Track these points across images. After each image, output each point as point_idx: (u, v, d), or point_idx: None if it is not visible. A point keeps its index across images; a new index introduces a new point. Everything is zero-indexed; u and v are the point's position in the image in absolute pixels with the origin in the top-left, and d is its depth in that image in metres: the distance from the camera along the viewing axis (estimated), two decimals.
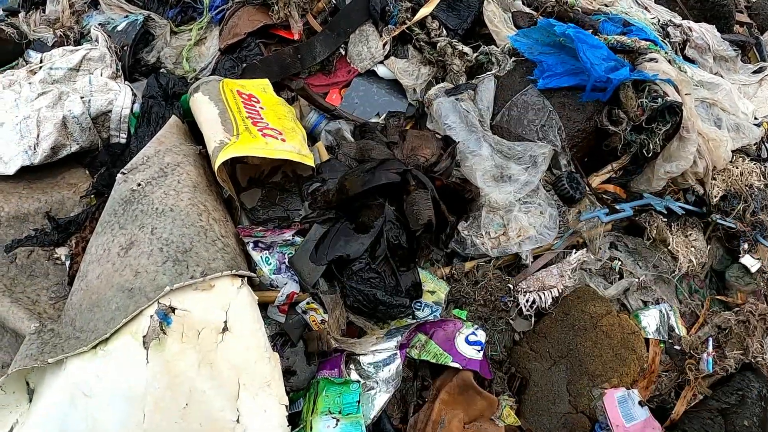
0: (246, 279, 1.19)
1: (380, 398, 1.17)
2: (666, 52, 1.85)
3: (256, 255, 1.29)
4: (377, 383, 1.19)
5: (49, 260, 1.48)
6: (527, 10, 1.96)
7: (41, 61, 1.79)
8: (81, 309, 1.20)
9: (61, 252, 1.49)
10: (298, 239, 1.32)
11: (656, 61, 1.70)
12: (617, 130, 1.59)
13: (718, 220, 1.74)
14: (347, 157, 1.43)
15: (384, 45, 1.78)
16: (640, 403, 1.32)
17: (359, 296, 1.25)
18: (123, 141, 1.64)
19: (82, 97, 1.61)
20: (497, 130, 1.60)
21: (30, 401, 1.16)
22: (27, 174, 1.57)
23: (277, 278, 1.29)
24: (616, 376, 1.34)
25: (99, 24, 1.98)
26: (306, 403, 1.19)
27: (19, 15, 2.17)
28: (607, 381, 1.33)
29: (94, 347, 1.10)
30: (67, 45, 1.95)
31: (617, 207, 1.57)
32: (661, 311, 1.53)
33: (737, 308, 1.62)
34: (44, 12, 2.19)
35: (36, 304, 1.36)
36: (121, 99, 1.63)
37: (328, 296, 1.27)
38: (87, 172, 1.64)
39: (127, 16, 2.01)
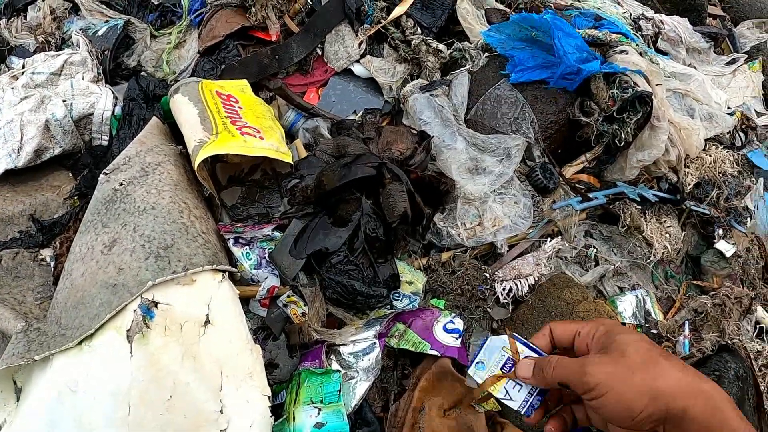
0: (227, 274, 1.22)
1: (361, 387, 1.19)
2: (637, 45, 1.89)
3: (236, 251, 1.32)
4: (357, 372, 1.22)
5: (35, 261, 1.50)
6: (500, 6, 1.99)
7: (23, 67, 1.81)
8: (66, 307, 1.21)
9: (46, 253, 1.51)
10: (277, 234, 1.35)
11: (627, 53, 1.74)
12: (589, 121, 1.63)
13: (692, 207, 1.77)
14: (324, 154, 1.46)
15: (360, 44, 1.81)
16: None
17: (338, 288, 1.28)
18: (105, 143, 1.66)
19: (64, 101, 1.63)
20: (471, 124, 1.63)
21: (18, 400, 1.17)
22: (11, 177, 1.59)
23: (258, 273, 1.31)
24: None
25: (80, 29, 2.00)
26: (289, 395, 1.22)
27: (0, 22, 2.18)
28: None
29: (80, 343, 1.12)
30: (49, 50, 1.97)
31: (590, 195, 1.60)
32: (637, 296, 1.56)
33: (713, 292, 1.64)
34: (26, 18, 2.20)
35: (22, 304, 1.37)
36: (103, 102, 1.65)
37: (307, 289, 1.30)
38: (70, 174, 1.66)
39: (107, 21, 2.03)
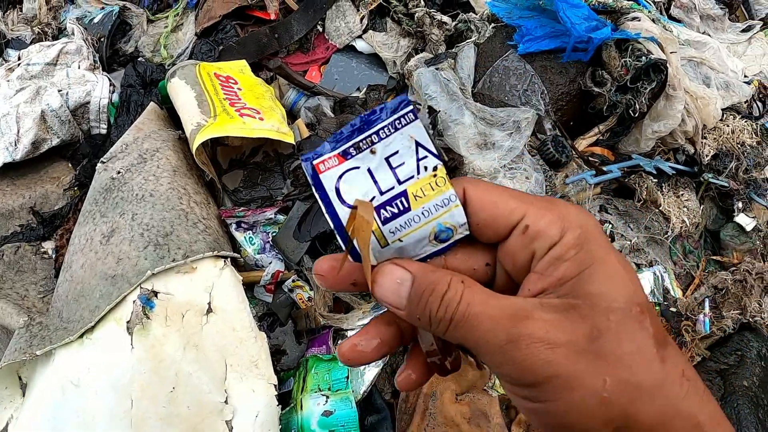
0: (229, 260, 1.18)
1: (369, 373, 1.15)
2: (649, 11, 1.82)
3: (239, 236, 1.28)
4: None
5: (36, 255, 1.48)
6: None
7: (19, 59, 1.78)
8: (67, 300, 1.19)
9: (48, 246, 1.49)
10: (281, 217, 1.31)
11: (639, 20, 1.68)
12: (602, 91, 1.57)
13: (711, 179, 1.71)
14: (327, 133, 1.41)
15: (361, 19, 1.76)
16: None
17: None
18: (103, 131, 1.63)
19: (59, 90, 1.60)
20: (479, 98, 1.58)
21: (23, 396, 1.15)
22: (9, 171, 1.56)
23: (262, 258, 1.28)
24: None
25: (76, 18, 1.97)
26: (296, 382, 1.19)
27: None
28: None
29: (81, 336, 1.09)
30: (46, 41, 1.94)
31: (605, 169, 1.55)
32: (655, 273, 1.51)
33: (733, 268, 1.59)
34: (21, 10, 2.16)
35: (25, 299, 1.35)
36: (99, 89, 1.61)
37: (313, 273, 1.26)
38: (70, 164, 1.64)
39: (103, 8, 1.99)
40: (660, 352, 0.36)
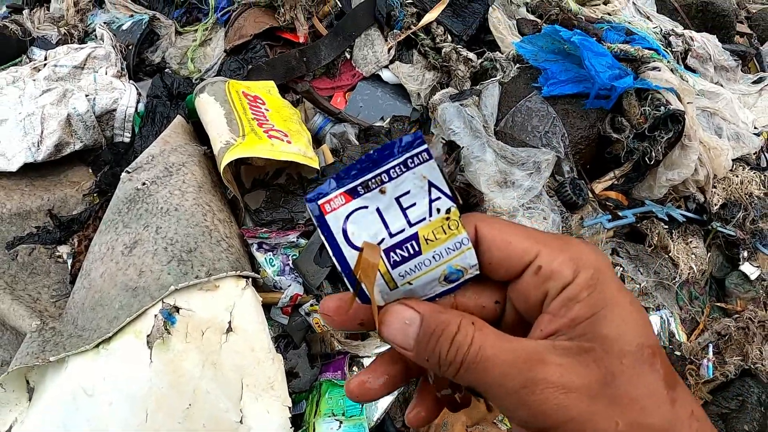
0: (250, 280, 1.19)
1: (383, 400, 1.17)
2: (668, 61, 1.86)
3: (260, 256, 1.29)
4: None
5: (51, 258, 1.48)
6: (532, 17, 1.98)
7: (45, 59, 1.79)
8: (83, 307, 1.20)
9: (63, 250, 1.49)
10: (302, 241, 1.33)
11: (659, 70, 1.72)
12: (620, 137, 1.60)
13: (719, 228, 1.74)
14: (352, 160, 1.44)
15: (389, 49, 1.79)
16: None
17: None
18: (127, 140, 1.64)
19: (86, 95, 1.61)
20: (501, 136, 1.61)
21: (30, 400, 1.15)
22: (30, 171, 1.56)
23: (281, 280, 1.29)
24: None
25: (104, 23, 1.99)
26: (309, 405, 1.19)
27: (24, 12, 2.17)
28: None
29: (97, 346, 1.10)
30: (71, 43, 1.96)
31: (619, 213, 1.58)
32: (661, 317, 1.54)
33: (737, 315, 1.62)
34: (48, 10, 2.19)
35: (37, 302, 1.35)
36: (126, 98, 1.63)
37: None
38: (90, 170, 1.64)
39: (132, 16, 2.01)
40: (670, 393, 0.36)
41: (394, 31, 1.80)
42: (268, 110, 1.50)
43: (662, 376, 0.37)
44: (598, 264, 0.37)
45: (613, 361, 0.35)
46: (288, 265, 1.30)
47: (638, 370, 0.36)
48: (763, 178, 1.95)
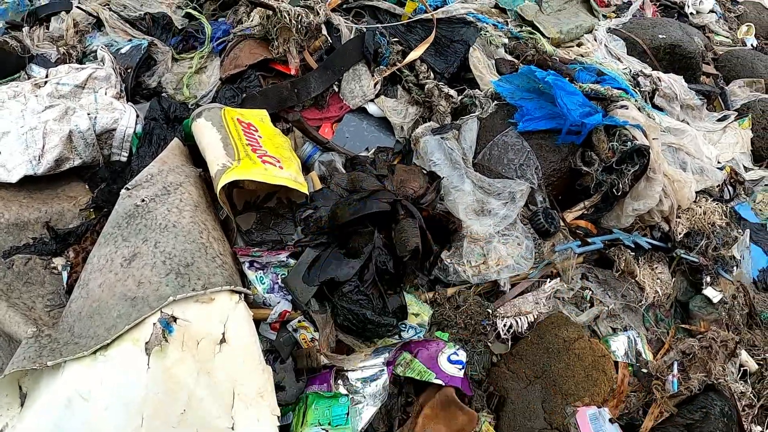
0: (242, 295, 1.26)
1: (367, 411, 1.23)
2: (636, 100, 1.99)
3: (251, 274, 1.36)
4: (364, 398, 1.25)
5: (46, 269, 1.52)
6: (509, 57, 2.09)
7: (47, 76, 1.85)
8: (80, 316, 1.24)
9: (58, 262, 1.53)
10: (291, 261, 1.40)
11: (627, 108, 1.83)
12: (589, 170, 1.71)
13: (683, 255, 1.84)
14: (339, 187, 1.52)
15: (375, 84, 1.89)
16: (610, 420, 1.40)
17: (349, 315, 1.33)
18: (124, 159, 1.70)
19: (88, 114, 1.67)
20: (479, 168, 1.71)
21: (22, 405, 1.18)
22: (28, 183, 1.61)
23: (271, 297, 1.36)
24: (587, 395, 1.42)
25: (104, 45, 2.05)
26: (295, 416, 1.25)
27: (23, 30, 2.21)
28: (579, 399, 1.41)
29: (94, 353, 1.14)
30: (70, 62, 2.01)
31: (588, 240, 1.68)
32: (629, 337, 1.62)
33: (700, 335, 1.70)
34: (48, 29, 2.24)
35: (32, 310, 1.39)
36: (126, 118, 1.70)
37: (319, 315, 1.35)
38: (87, 186, 1.70)
39: (130, 40, 2.08)
40: None
41: (381, 67, 1.90)
42: (261, 137, 1.58)
43: None
44: None
45: None
46: (277, 283, 1.37)
47: None
48: (725, 208, 2.05)
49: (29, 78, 1.95)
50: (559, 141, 1.70)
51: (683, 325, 1.80)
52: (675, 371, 1.58)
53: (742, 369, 1.70)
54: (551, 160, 1.72)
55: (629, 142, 1.69)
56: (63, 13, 2.24)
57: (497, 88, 1.82)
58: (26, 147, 1.60)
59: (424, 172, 1.61)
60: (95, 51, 2.03)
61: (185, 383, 1.12)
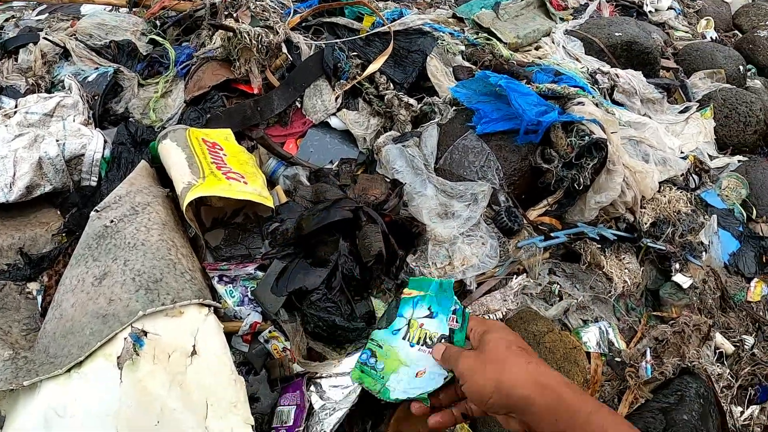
0: (212, 309, 1.28)
1: (335, 415, 1.24)
2: (593, 97, 2.05)
3: (220, 288, 1.39)
4: (335, 402, 1.28)
5: (21, 294, 1.53)
6: (467, 64, 2.14)
7: (16, 106, 1.88)
8: (55, 336, 1.26)
9: (33, 287, 1.55)
10: (259, 273, 1.43)
11: (583, 104, 1.89)
12: (550, 167, 1.76)
13: (649, 244, 1.89)
14: (304, 200, 1.56)
15: (336, 98, 1.93)
16: None
17: (319, 323, 1.36)
18: (94, 183, 1.73)
19: (57, 141, 1.70)
20: (441, 173, 1.75)
21: (1, 428, 1.19)
22: (1, 211, 1.64)
23: (241, 309, 1.39)
24: None
25: (71, 74, 2.08)
26: None
27: None
28: None
29: (69, 370, 1.16)
30: (39, 93, 2.03)
31: (552, 235, 1.72)
32: (600, 328, 1.65)
33: (673, 321, 1.73)
34: (17, 61, 2.27)
35: (8, 335, 1.40)
36: (94, 144, 1.73)
37: (289, 324, 1.37)
38: (58, 212, 1.72)
39: (97, 68, 2.12)
40: (526, 359, 0.88)
41: (341, 81, 1.95)
42: (225, 155, 1.61)
43: (520, 353, 0.90)
44: (489, 325, 1.00)
45: (488, 351, 0.91)
46: (247, 296, 1.40)
47: (504, 351, 0.89)
48: (689, 196, 2.11)
49: (0, 109, 1.97)
50: (518, 141, 1.75)
51: (655, 313, 1.83)
52: (648, 357, 1.60)
53: (718, 352, 1.74)
54: (512, 160, 1.76)
55: (587, 137, 1.74)
56: (31, 45, 2.26)
57: (454, 93, 1.86)
58: None
59: (387, 179, 1.65)
60: (63, 80, 2.06)
61: (158, 395, 1.14)
